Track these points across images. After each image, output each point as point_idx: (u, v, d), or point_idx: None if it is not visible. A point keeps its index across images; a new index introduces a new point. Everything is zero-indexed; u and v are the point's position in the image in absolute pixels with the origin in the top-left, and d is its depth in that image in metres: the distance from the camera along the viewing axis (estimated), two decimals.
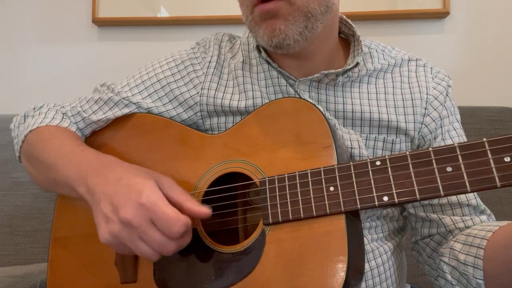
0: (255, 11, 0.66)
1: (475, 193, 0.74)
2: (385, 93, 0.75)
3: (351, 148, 0.70)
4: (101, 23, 1.48)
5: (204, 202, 0.66)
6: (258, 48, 0.75)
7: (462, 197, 0.73)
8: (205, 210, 0.60)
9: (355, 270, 0.55)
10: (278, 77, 0.74)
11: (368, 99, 0.74)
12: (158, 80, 0.78)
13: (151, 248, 0.56)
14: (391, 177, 0.54)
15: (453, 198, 0.73)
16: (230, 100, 0.74)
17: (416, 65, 0.79)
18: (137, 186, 0.58)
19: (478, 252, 0.62)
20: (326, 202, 0.56)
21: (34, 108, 0.82)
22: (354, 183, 0.56)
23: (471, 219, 0.72)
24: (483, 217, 0.73)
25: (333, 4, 0.69)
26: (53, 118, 0.78)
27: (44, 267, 0.97)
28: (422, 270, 1.13)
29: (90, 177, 0.63)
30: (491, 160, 0.50)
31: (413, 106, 0.74)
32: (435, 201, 0.74)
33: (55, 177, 0.70)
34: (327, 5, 0.68)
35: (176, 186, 0.62)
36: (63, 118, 0.79)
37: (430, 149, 0.53)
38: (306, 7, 0.65)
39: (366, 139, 0.72)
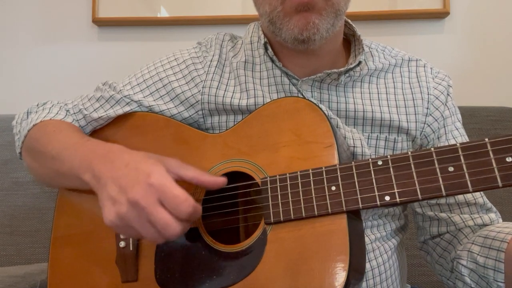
0: (289, 1, 0.66)
1: (481, 192, 0.74)
2: (386, 93, 0.75)
3: (354, 147, 0.70)
4: (101, 23, 1.48)
5: (205, 201, 0.67)
6: (265, 45, 0.75)
7: (469, 196, 0.74)
8: (222, 179, 0.62)
9: (356, 270, 0.55)
10: (281, 76, 0.74)
11: (370, 99, 0.74)
12: (160, 79, 0.79)
13: (156, 230, 0.56)
14: (393, 176, 0.54)
15: (460, 198, 0.74)
16: (232, 98, 0.75)
17: (416, 65, 0.79)
18: (145, 169, 0.58)
19: (498, 255, 0.62)
20: (328, 202, 0.56)
21: (37, 105, 0.82)
22: (356, 183, 0.56)
23: (480, 217, 0.73)
24: (492, 215, 0.74)
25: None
26: (57, 113, 0.78)
27: (44, 267, 0.97)
28: (425, 270, 1.14)
29: (96, 163, 0.63)
30: (493, 160, 0.50)
31: (414, 106, 0.75)
32: (442, 200, 0.75)
33: (59, 168, 0.70)
34: (347, 4, 0.70)
35: (186, 165, 0.63)
36: (66, 114, 0.79)
37: (432, 149, 0.53)
38: (338, 4, 0.67)
39: (368, 138, 0.73)
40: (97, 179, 0.62)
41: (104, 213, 0.59)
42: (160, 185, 0.56)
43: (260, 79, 0.76)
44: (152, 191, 0.56)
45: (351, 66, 0.72)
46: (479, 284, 0.66)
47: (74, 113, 0.80)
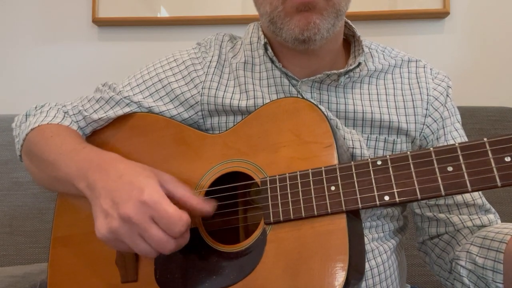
0: (290, 1, 0.66)
1: (480, 193, 0.74)
2: (386, 94, 0.75)
3: (353, 148, 0.70)
4: (101, 23, 1.48)
5: None
6: (265, 46, 0.75)
7: (468, 197, 0.73)
8: (209, 207, 0.61)
9: (356, 270, 0.55)
10: (280, 77, 0.74)
11: (369, 100, 0.74)
12: (159, 80, 0.79)
13: (149, 246, 0.56)
14: (392, 176, 0.54)
15: (459, 198, 0.74)
16: (231, 99, 0.75)
17: (416, 66, 0.79)
18: (139, 184, 0.57)
19: (497, 256, 0.62)
20: (327, 202, 0.56)
21: (35, 107, 0.82)
22: (355, 183, 0.56)
23: (479, 217, 0.73)
24: (491, 216, 0.73)
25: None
26: (54, 116, 0.78)
27: (44, 267, 0.97)
28: (425, 270, 1.15)
29: (91, 173, 0.63)
30: (491, 160, 0.50)
31: (413, 107, 0.75)
32: (441, 201, 0.75)
33: (56, 174, 0.70)
34: (348, 4, 0.70)
35: (179, 183, 0.62)
36: (64, 117, 0.79)
37: (431, 149, 0.53)
38: (339, 4, 0.68)
39: (367, 139, 0.73)
40: (91, 189, 0.62)
41: (96, 226, 0.58)
42: (153, 203, 0.55)
43: (260, 79, 0.76)
44: (144, 208, 0.55)
45: (351, 67, 0.72)
46: (478, 285, 0.66)
47: (74, 114, 0.80)
